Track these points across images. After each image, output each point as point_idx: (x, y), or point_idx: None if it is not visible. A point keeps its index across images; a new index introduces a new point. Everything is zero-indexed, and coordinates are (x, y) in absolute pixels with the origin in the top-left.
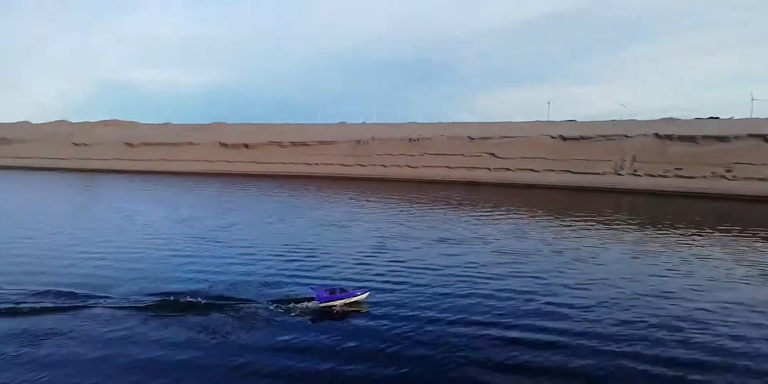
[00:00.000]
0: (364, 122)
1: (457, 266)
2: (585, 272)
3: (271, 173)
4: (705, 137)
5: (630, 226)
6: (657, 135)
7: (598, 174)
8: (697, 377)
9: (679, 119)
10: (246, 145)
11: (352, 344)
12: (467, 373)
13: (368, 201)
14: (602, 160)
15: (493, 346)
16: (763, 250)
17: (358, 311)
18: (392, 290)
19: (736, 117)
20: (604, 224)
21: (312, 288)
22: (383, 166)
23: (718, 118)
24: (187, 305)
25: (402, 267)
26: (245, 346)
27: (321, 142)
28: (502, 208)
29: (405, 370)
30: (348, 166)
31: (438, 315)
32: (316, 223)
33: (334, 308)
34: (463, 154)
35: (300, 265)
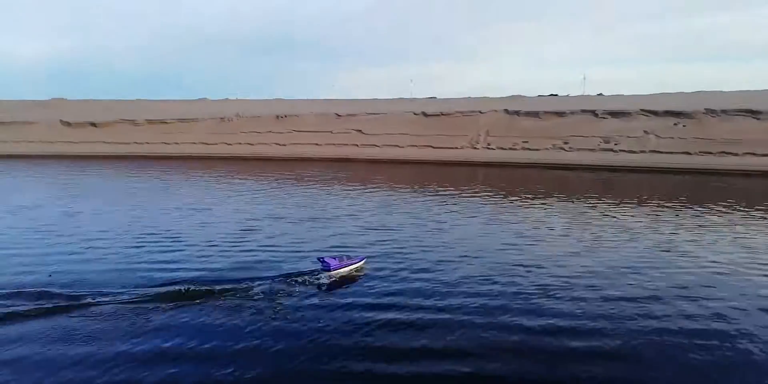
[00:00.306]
0: (227, 98)
1: (327, 243)
2: (449, 244)
3: (125, 154)
4: (546, 113)
5: (489, 196)
6: (507, 111)
7: (456, 148)
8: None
9: (525, 96)
10: (93, 124)
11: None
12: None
13: (235, 181)
14: (460, 135)
15: (357, 329)
16: (593, 213)
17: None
18: (267, 275)
19: (572, 94)
20: (465, 195)
21: (319, 259)
22: (250, 144)
23: (557, 95)
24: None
25: (272, 249)
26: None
27: (181, 120)
28: (371, 184)
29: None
30: (212, 144)
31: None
32: (178, 207)
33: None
34: (331, 132)
35: (164, 254)
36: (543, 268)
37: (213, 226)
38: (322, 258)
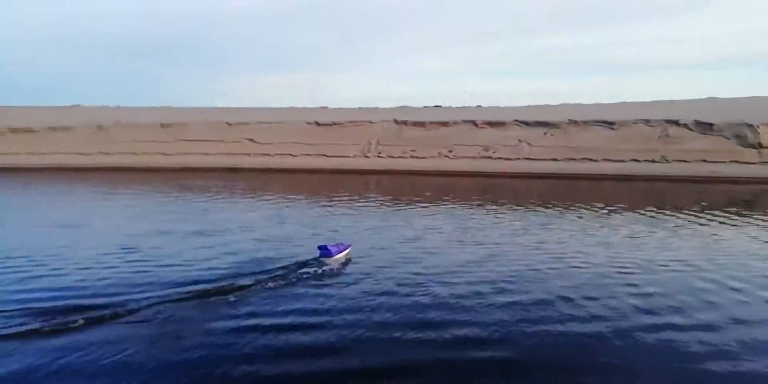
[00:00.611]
0: (105, 105)
1: (215, 259)
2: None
3: None
4: (432, 123)
5: (378, 203)
6: (395, 121)
7: (349, 157)
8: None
9: (412, 107)
10: None
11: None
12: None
13: (115, 194)
14: (352, 144)
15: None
16: (477, 217)
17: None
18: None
19: (454, 106)
20: (358, 203)
21: (320, 247)
22: (133, 154)
23: (440, 106)
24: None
25: (152, 266)
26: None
27: (52, 128)
28: (263, 194)
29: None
30: (88, 155)
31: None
32: (47, 224)
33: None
34: (222, 140)
35: (32, 280)
36: (433, 275)
37: (84, 244)
38: (324, 245)
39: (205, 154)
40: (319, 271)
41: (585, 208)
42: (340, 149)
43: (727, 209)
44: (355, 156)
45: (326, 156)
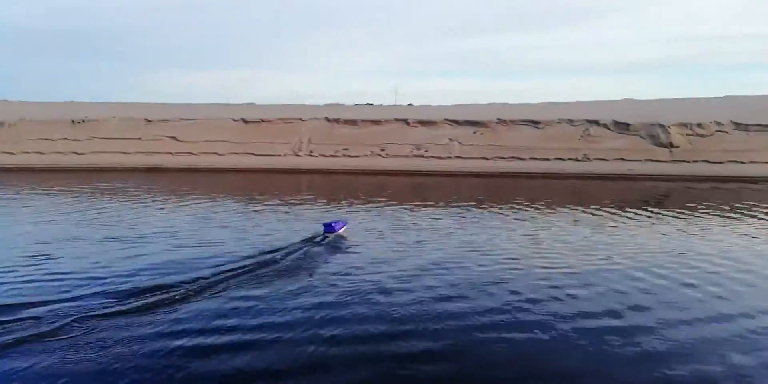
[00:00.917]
0: (5, 100)
1: (137, 268)
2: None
3: None
4: (364, 121)
5: (313, 203)
6: (327, 119)
7: (279, 156)
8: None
9: (344, 105)
10: None
11: None
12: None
13: (20, 197)
14: (282, 142)
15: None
16: (409, 215)
17: None
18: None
19: (385, 104)
20: (292, 203)
21: (325, 224)
22: (40, 153)
23: (372, 104)
24: None
25: (57, 280)
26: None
27: None
28: (188, 196)
29: None
30: None
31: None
32: None
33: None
34: (140, 138)
35: None
36: (359, 273)
37: None
38: (328, 223)
39: (123, 152)
40: (252, 282)
41: (514, 206)
42: (269, 148)
43: (644, 206)
44: (285, 155)
45: (255, 155)
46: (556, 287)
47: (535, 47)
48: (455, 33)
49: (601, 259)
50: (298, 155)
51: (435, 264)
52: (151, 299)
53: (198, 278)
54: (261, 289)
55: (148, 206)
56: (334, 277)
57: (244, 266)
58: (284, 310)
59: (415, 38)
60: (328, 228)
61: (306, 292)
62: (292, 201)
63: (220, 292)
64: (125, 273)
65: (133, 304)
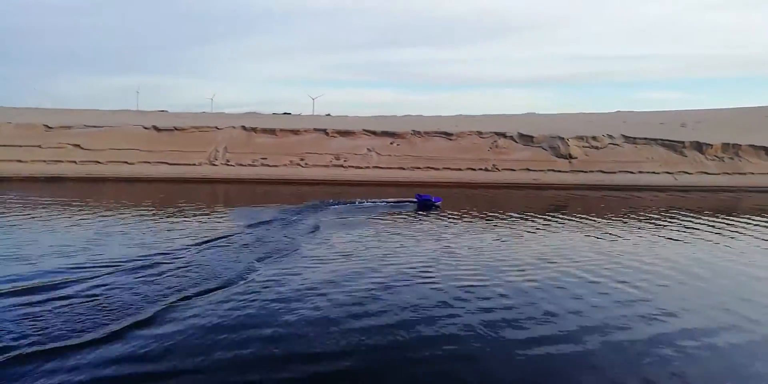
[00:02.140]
0: None
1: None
2: (182, 273)
3: None
4: (282, 130)
5: (227, 213)
6: (244, 127)
7: (194, 165)
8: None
9: (261, 113)
10: None
11: None
12: None
13: None
14: (197, 151)
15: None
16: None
17: None
18: None
19: (303, 114)
20: (199, 214)
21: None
22: None
23: (290, 113)
24: None
25: None
26: None
27: None
28: (90, 208)
29: None
30: None
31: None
32: None
33: None
34: (40, 146)
35: None
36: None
37: None
38: (421, 195)
39: (19, 161)
40: (148, 314)
41: (428, 215)
42: (183, 156)
43: (549, 212)
44: (200, 164)
45: (168, 164)
46: (482, 298)
47: (447, 61)
48: (372, 45)
49: (514, 264)
50: (214, 164)
51: (352, 274)
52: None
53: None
54: (164, 316)
55: (44, 220)
56: (240, 295)
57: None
58: (185, 336)
59: (333, 49)
60: (424, 198)
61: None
62: (208, 211)
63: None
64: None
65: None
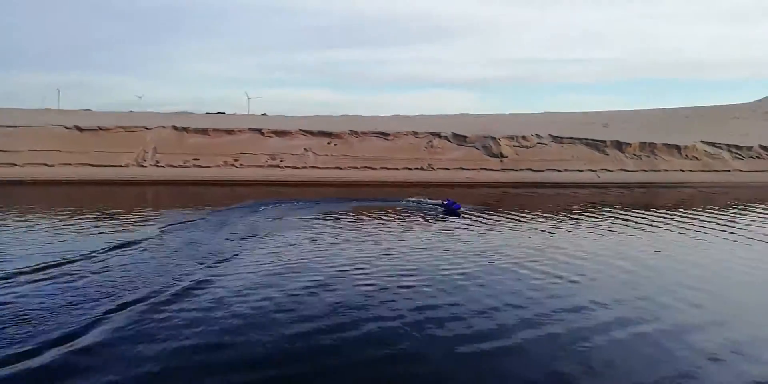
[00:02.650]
0: None
1: None
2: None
3: None
4: (216, 130)
5: (154, 217)
6: (175, 127)
7: (121, 166)
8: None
9: (193, 113)
10: None
11: None
12: None
13: None
14: (124, 152)
15: None
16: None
17: None
18: None
19: (238, 113)
20: (121, 218)
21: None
22: None
23: (224, 113)
24: None
25: None
26: None
27: None
28: (4, 213)
29: None
30: None
31: None
32: None
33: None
34: None
35: None
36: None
37: None
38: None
39: None
40: (71, 328)
41: (357, 213)
42: (109, 158)
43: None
44: (128, 165)
45: (92, 165)
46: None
47: (385, 62)
48: (311, 45)
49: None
50: (142, 166)
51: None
52: None
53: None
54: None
55: None
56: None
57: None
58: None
59: (269, 48)
60: (449, 203)
61: None
62: (136, 215)
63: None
64: None
65: None
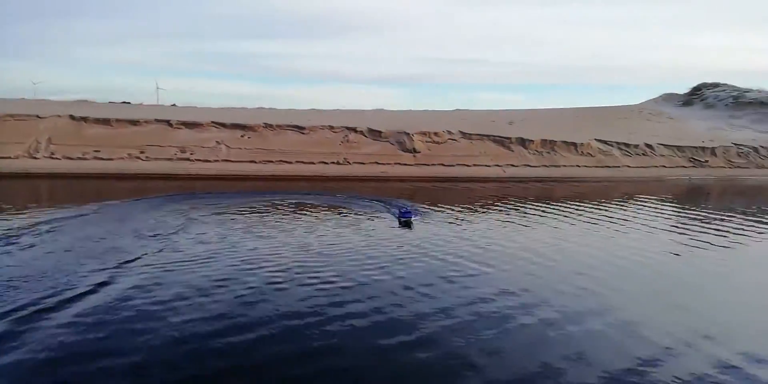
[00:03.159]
0: None
1: None
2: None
3: None
4: (119, 120)
5: (54, 213)
6: (72, 117)
7: (11, 158)
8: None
9: (94, 102)
10: None
11: None
12: None
13: None
14: (14, 142)
15: None
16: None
17: None
18: None
19: (146, 103)
20: (18, 214)
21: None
22: None
23: (129, 103)
24: None
25: None
26: None
27: None
28: None
29: None
30: None
31: None
32: None
33: None
34: None
35: None
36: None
37: None
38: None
39: None
40: None
41: (271, 207)
42: None
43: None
44: (17, 157)
45: None
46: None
47: (302, 56)
48: (226, 35)
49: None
50: (34, 157)
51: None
52: None
53: None
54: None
55: None
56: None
57: None
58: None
59: (180, 36)
60: (406, 215)
61: None
62: (25, 212)
63: None
64: None
65: None
